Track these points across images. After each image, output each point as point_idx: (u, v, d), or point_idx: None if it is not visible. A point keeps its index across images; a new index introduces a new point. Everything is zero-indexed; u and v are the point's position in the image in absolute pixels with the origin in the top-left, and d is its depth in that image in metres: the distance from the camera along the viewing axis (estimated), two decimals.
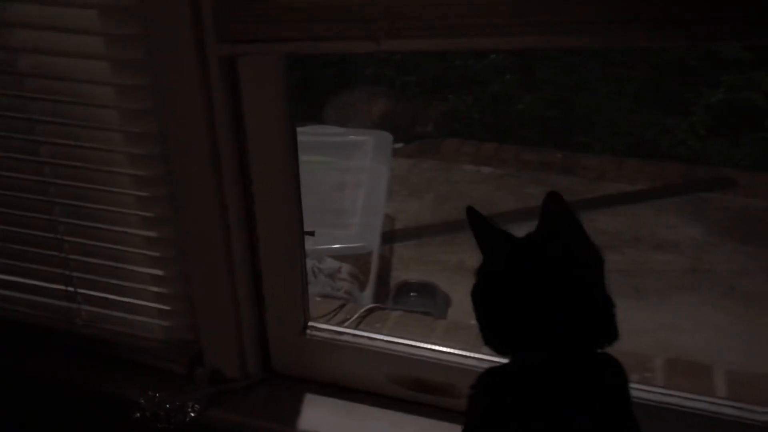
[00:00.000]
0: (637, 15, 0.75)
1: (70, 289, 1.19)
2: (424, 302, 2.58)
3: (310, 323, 1.19)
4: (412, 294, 2.65)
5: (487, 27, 0.79)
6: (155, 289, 1.15)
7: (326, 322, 1.22)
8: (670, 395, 1.07)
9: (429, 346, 1.14)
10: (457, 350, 1.12)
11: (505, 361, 0.81)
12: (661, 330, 2.52)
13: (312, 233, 1.34)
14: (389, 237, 3.02)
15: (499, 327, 0.80)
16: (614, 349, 1.32)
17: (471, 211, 0.81)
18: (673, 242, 3.07)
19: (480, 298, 0.81)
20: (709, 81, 3.85)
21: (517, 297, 0.77)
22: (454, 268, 2.80)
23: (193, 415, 1.13)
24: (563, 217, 0.79)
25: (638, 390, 1.07)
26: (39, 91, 1.04)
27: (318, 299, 1.44)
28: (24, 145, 1.09)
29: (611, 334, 0.78)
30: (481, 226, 0.81)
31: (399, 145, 3.81)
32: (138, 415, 1.13)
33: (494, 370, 0.81)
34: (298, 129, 1.07)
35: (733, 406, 1.05)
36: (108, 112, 1.03)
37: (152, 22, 0.93)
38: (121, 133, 1.04)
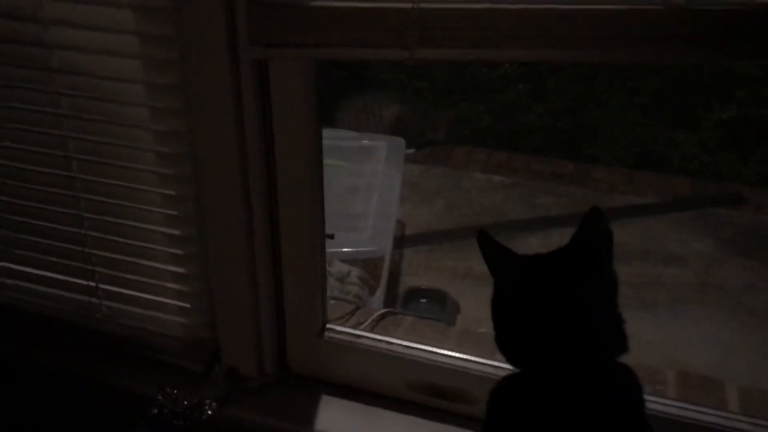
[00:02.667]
0: (658, 33, 0.77)
1: (92, 284, 1.20)
2: (433, 309, 2.58)
3: (328, 325, 1.20)
4: (421, 300, 2.65)
5: (518, 39, 0.80)
6: (176, 286, 1.17)
7: (341, 325, 1.23)
8: (683, 408, 1.08)
9: (445, 351, 1.15)
10: (471, 356, 1.13)
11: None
12: (668, 344, 2.52)
13: (332, 236, 1.35)
14: (399, 242, 3.03)
15: (513, 342, 0.82)
16: (623, 361, 1.33)
17: (483, 235, 0.82)
18: (681, 256, 3.07)
19: (496, 317, 0.83)
20: (721, 96, 3.85)
21: (529, 317, 0.79)
22: (463, 275, 2.81)
23: (209, 412, 1.14)
24: (598, 234, 0.79)
25: (651, 402, 1.08)
26: (70, 88, 1.05)
27: (332, 302, 1.45)
28: (53, 140, 1.10)
29: (621, 345, 0.80)
30: (493, 250, 0.82)
31: (410, 151, 3.82)
32: (155, 411, 1.14)
33: (511, 378, 0.82)
34: None
35: (746, 422, 1.06)
36: (138, 110, 1.04)
37: (186, 22, 0.94)
38: (150, 131, 1.05)
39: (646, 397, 1.08)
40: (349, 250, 2.42)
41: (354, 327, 1.25)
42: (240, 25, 0.92)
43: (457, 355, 1.14)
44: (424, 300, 2.63)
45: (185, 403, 1.14)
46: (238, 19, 0.92)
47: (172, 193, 1.09)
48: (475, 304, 2.51)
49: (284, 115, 1.00)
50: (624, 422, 0.76)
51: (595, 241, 0.78)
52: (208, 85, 0.97)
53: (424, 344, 1.17)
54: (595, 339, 0.78)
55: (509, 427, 0.78)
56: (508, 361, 0.82)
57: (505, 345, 0.82)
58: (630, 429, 0.77)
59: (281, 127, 1.01)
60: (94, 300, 1.21)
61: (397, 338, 1.19)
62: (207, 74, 0.96)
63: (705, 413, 1.07)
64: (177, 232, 1.12)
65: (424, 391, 1.16)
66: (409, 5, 0.82)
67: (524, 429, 0.77)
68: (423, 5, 0.81)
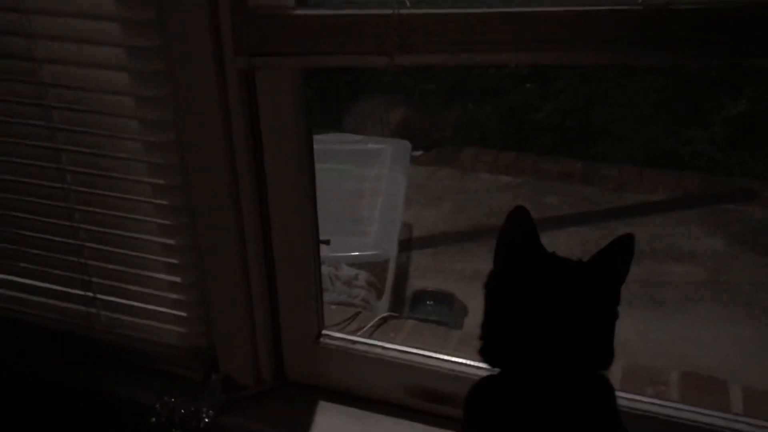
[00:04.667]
0: (644, 34, 0.76)
1: (90, 294, 1.21)
2: (440, 311, 2.58)
3: (324, 332, 1.20)
4: (428, 302, 2.65)
5: (497, 43, 0.80)
6: (172, 295, 1.17)
7: (340, 331, 1.23)
8: (685, 410, 1.07)
9: (442, 356, 1.15)
10: (470, 361, 1.12)
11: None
12: (678, 342, 2.50)
13: (327, 242, 1.35)
14: (407, 245, 3.03)
15: (497, 335, 0.81)
16: (630, 361, 1.31)
17: (521, 211, 0.78)
18: (692, 254, 3.04)
19: (489, 303, 0.82)
20: (731, 92, 3.82)
21: (527, 316, 0.78)
22: (471, 277, 2.80)
23: (207, 420, 1.14)
24: (622, 260, 0.78)
25: (652, 404, 1.07)
26: (61, 101, 1.07)
27: (333, 307, 1.45)
28: (46, 152, 1.11)
29: (605, 361, 0.79)
30: (527, 229, 0.79)
31: (418, 153, 3.82)
32: (154, 419, 1.15)
33: (488, 380, 0.82)
34: (318, 137, 1.09)
35: (748, 423, 1.04)
36: (128, 121, 1.05)
37: (172, 35, 0.94)
38: (141, 143, 1.06)
39: (647, 399, 1.08)
40: (355, 254, 2.42)
41: (354, 333, 1.25)
42: (225, 36, 0.93)
43: (455, 359, 1.14)
44: (431, 302, 2.63)
45: (183, 411, 1.15)
46: (223, 30, 0.92)
47: (165, 203, 1.09)
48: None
49: (272, 124, 1.00)
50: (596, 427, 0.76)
51: (616, 265, 0.78)
52: (195, 96, 0.98)
53: (423, 349, 1.16)
54: (583, 353, 0.77)
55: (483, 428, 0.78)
56: (484, 352, 0.81)
57: (490, 335, 0.81)
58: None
59: (270, 135, 1.01)
60: (92, 310, 1.22)
61: (398, 343, 1.19)
62: (194, 85, 0.97)
63: (706, 415, 1.06)
64: (171, 242, 1.13)
65: (422, 396, 1.15)
66: (389, 11, 0.82)
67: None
68: (403, 11, 0.81)
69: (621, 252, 0.77)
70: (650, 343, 2.42)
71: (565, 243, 3.01)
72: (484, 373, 0.83)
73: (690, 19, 0.73)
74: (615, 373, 1.22)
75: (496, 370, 0.81)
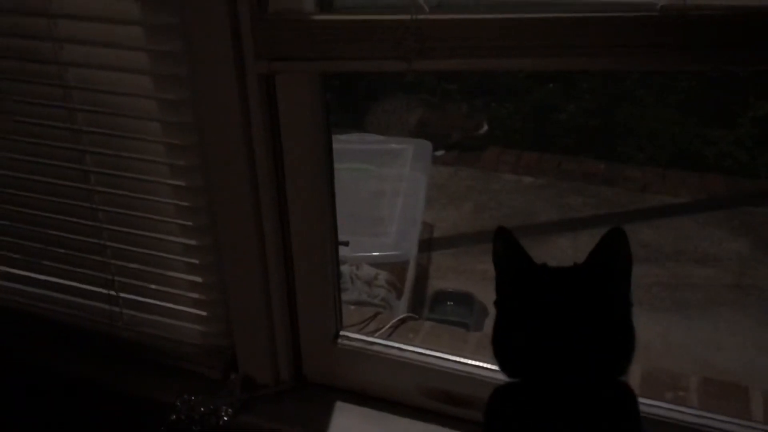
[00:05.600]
0: (662, 41, 0.76)
1: (113, 293, 1.23)
2: (460, 312, 2.57)
3: (342, 332, 1.21)
4: (448, 303, 2.65)
5: (516, 48, 0.80)
6: (193, 295, 1.19)
7: (359, 331, 1.24)
8: (704, 417, 1.06)
9: (459, 359, 1.15)
10: (487, 364, 1.12)
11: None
12: (700, 346, 2.48)
13: (346, 243, 1.36)
14: (427, 245, 3.02)
15: (512, 349, 0.81)
16: (650, 364, 1.30)
17: (503, 232, 0.80)
18: (716, 257, 3.01)
19: (499, 321, 0.83)
20: (758, 92, 3.76)
21: (533, 328, 0.79)
22: (492, 278, 2.78)
23: (226, 419, 1.16)
24: (615, 256, 0.77)
25: (671, 410, 1.07)
26: (86, 103, 1.09)
27: (352, 307, 1.45)
28: (70, 154, 1.13)
29: (622, 367, 0.79)
30: (511, 250, 0.81)
31: (440, 153, 3.81)
32: (174, 417, 1.16)
33: (507, 387, 0.82)
34: (339, 137, 1.09)
35: None
36: (151, 124, 1.07)
37: (194, 39, 0.96)
38: (163, 145, 1.08)
39: (666, 405, 1.08)
40: (374, 254, 2.43)
41: (372, 333, 1.25)
42: (245, 40, 0.94)
43: (472, 362, 1.14)
44: (451, 303, 2.63)
45: (202, 409, 1.16)
46: (244, 34, 0.93)
47: (186, 204, 1.11)
48: None
49: (292, 126, 1.01)
50: None
51: (612, 262, 0.77)
52: (216, 99, 0.99)
53: (441, 351, 1.17)
54: (595, 359, 0.77)
55: None
56: (502, 366, 0.82)
57: (502, 350, 0.82)
58: None
59: (289, 137, 1.02)
60: (114, 309, 1.24)
61: (416, 344, 1.20)
62: (215, 89, 0.98)
63: (726, 422, 1.05)
64: (192, 242, 1.14)
65: (439, 398, 1.16)
66: (407, 17, 0.82)
67: None
68: (421, 17, 0.82)
69: (613, 246, 0.76)
70: (672, 347, 2.40)
71: (587, 244, 2.98)
72: (503, 378, 0.84)
73: (708, 26, 0.73)
74: (634, 377, 1.21)
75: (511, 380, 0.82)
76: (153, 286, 1.21)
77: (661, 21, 0.75)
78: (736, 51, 0.73)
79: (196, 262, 1.16)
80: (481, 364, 1.13)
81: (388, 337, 1.28)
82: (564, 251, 2.93)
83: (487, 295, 2.64)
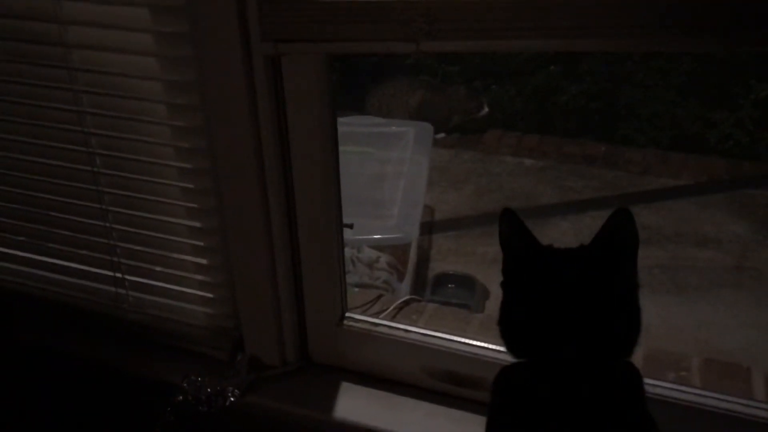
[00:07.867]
0: (667, 20, 0.76)
1: (119, 275, 1.23)
2: (462, 294, 2.58)
3: (347, 314, 1.22)
4: (450, 285, 2.66)
5: (525, 30, 0.80)
6: (199, 277, 1.19)
7: (363, 313, 1.25)
8: (706, 396, 1.07)
9: (464, 339, 1.16)
10: (491, 345, 1.13)
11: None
12: (701, 328, 2.49)
13: (350, 226, 1.36)
14: (428, 228, 3.03)
15: (519, 329, 0.82)
16: (651, 346, 1.31)
17: (509, 214, 0.80)
18: (717, 239, 3.01)
19: (506, 302, 0.83)
20: (760, 74, 3.75)
21: (540, 309, 0.79)
22: (492, 261, 2.80)
23: (232, 399, 1.17)
24: (622, 236, 0.77)
25: (673, 390, 1.08)
26: (91, 86, 1.08)
27: (356, 290, 1.46)
28: (76, 136, 1.13)
29: (627, 348, 0.80)
30: (517, 233, 0.81)
31: (441, 135, 3.81)
32: (180, 398, 1.17)
33: (514, 367, 0.83)
34: (340, 119, 1.09)
35: None
36: (156, 106, 1.06)
37: (200, 20, 0.95)
38: (169, 127, 1.07)
39: (669, 385, 1.09)
40: (376, 237, 2.43)
41: (376, 315, 1.26)
42: (251, 22, 0.93)
43: (477, 343, 1.15)
44: (453, 285, 2.64)
45: (209, 390, 1.17)
46: (250, 16, 0.93)
47: (192, 186, 1.11)
48: None
49: (298, 109, 1.01)
50: (622, 419, 0.76)
51: (618, 242, 0.77)
52: (222, 81, 0.99)
53: (445, 332, 1.18)
54: (602, 339, 0.78)
55: (510, 420, 0.79)
56: (509, 347, 0.83)
57: (509, 330, 0.83)
58: (627, 426, 0.77)
59: (295, 118, 1.02)
60: (120, 291, 1.25)
61: (419, 326, 1.20)
62: (221, 70, 0.98)
63: (728, 401, 1.06)
64: (198, 224, 1.14)
65: (444, 378, 1.17)
66: None
67: (524, 422, 0.78)
68: None
69: (619, 227, 0.77)
70: (673, 329, 2.41)
71: (588, 227, 3.00)
72: (507, 359, 0.84)
73: (716, 5, 0.72)
74: (636, 358, 1.22)
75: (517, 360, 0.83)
76: (159, 269, 1.21)
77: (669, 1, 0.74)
78: (746, 31, 0.73)
79: (202, 244, 1.16)
80: (484, 344, 1.14)
81: (392, 319, 1.29)
82: (565, 233, 2.93)
83: (488, 277, 2.65)
